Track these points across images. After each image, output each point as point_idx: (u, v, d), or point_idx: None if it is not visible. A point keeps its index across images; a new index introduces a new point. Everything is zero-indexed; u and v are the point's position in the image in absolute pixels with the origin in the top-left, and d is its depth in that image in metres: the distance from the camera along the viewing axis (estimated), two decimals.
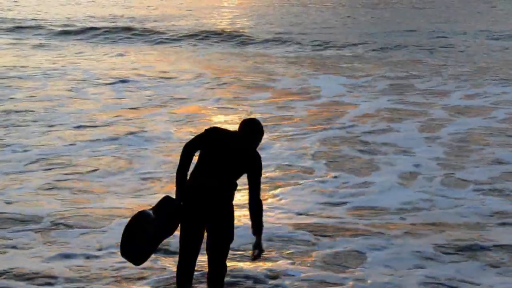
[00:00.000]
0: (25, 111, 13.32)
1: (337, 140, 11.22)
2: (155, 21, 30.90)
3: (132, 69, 18.74)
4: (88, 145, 10.83)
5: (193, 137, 5.19)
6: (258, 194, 5.11)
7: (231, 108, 13.67)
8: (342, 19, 32.66)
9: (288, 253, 6.70)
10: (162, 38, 25.70)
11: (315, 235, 7.20)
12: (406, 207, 8.09)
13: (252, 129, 4.99)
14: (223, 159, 4.98)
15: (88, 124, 12.26)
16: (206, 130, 5.11)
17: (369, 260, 6.56)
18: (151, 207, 5.27)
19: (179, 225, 5.11)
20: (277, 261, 6.52)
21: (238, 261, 6.46)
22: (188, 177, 5.13)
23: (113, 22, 29.63)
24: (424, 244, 6.94)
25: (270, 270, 6.29)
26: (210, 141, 5.02)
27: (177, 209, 5.08)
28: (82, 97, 14.92)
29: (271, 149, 10.55)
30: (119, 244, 5.20)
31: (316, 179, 9.15)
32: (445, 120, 12.63)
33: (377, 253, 6.72)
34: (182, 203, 5.09)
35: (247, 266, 6.34)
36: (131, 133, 11.64)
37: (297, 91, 15.86)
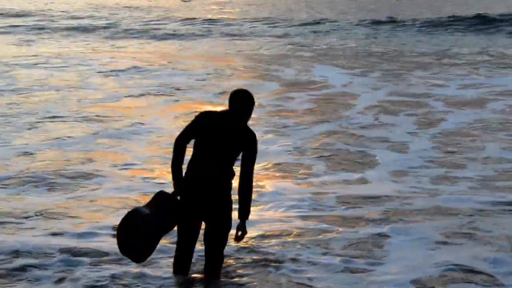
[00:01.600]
0: (22, 102, 13.42)
1: (334, 134, 11.24)
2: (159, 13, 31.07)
3: (134, 60, 18.91)
4: (83, 138, 10.84)
5: (183, 128, 5.07)
6: (251, 178, 5.05)
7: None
8: (342, 8, 32.78)
9: (313, 243, 6.70)
10: (166, 30, 25.92)
11: (329, 225, 7.23)
12: (403, 196, 8.19)
13: (244, 103, 4.91)
14: (219, 144, 4.91)
15: (83, 116, 12.28)
16: (196, 116, 5.02)
17: (390, 247, 6.65)
18: (145, 204, 5.18)
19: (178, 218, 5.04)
20: (307, 249, 6.53)
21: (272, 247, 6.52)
22: (185, 168, 5.06)
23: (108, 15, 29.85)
24: (432, 230, 7.09)
25: (305, 258, 6.30)
26: (203, 128, 4.94)
27: (175, 205, 5.00)
28: (84, 88, 15.05)
29: (273, 143, 10.56)
30: (116, 242, 5.12)
31: (312, 173, 9.19)
32: (442, 112, 12.67)
33: (395, 239, 6.82)
34: (180, 196, 5.01)
35: (282, 252, 6.39)
36: (128, 125, 11.66)
37: (299, 82, 15.95)
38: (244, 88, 5.23)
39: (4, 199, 7.87)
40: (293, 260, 6.22)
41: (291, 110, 12.98)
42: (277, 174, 9.10)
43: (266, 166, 9.33)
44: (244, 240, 5.41)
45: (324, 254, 6.41)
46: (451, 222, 7.35)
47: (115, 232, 5.31)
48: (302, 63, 18.60)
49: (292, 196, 8.17)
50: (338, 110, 13.01)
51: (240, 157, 5.11)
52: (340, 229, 7.09)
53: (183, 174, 5.04)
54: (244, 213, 5.06)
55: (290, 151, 10.21)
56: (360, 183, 8.83)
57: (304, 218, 7.42)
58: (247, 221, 5.15)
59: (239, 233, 5.10)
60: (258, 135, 5.22)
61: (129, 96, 14.20)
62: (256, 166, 8.27)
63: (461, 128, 11.54)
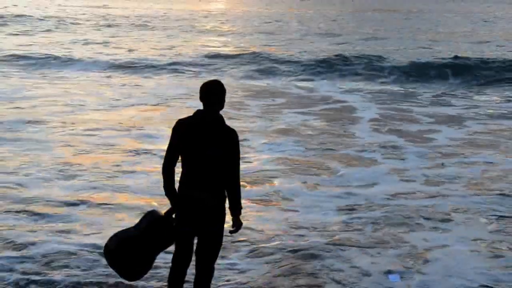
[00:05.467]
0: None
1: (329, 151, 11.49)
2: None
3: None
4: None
5: (166, 151, 4.92)
6: (237, 176, 4.97)
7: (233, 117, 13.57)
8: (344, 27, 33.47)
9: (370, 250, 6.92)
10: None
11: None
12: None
13: (213, 90, 4.78)
14: (202, 148, 4.77)
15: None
16: (173, 128, 4.88)
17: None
18: (136, 223, 5.08)
19: (171, 236, 4.96)
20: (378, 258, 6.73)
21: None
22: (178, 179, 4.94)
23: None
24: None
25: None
26: (183, 132, 4.81)
27: (167, 224, 4.91)
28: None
29: (283, 148, 11.24)
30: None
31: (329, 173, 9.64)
32: (433, 131, 13.18)
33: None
34: (175, 213, 4.92)
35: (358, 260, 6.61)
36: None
37: (304, 98, 16.70)
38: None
39: None
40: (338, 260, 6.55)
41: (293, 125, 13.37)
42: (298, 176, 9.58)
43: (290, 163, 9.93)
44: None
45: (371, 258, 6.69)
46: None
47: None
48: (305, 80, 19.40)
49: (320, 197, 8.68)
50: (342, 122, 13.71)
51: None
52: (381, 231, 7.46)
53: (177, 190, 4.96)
54: (235, 210, 5.01)
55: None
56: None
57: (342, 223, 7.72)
58: (241, 214, 5.09)
59: (235, 227, 5.05)
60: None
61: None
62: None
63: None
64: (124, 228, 5.17)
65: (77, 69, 20.55)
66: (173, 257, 5.06)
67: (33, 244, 6.82)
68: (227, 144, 4.84)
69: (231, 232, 5.05)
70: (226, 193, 4.96)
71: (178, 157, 4.88)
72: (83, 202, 8.17)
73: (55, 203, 8.15)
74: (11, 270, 6.18)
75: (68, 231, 7.22)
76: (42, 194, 8.43)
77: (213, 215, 4.88)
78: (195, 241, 5.02)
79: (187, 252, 5.01)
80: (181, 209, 4.88)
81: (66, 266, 6.31)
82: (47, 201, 8.20)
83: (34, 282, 5.98)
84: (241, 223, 5.07)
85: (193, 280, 5.13)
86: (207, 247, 4.97)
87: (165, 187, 4.90)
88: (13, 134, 11.66)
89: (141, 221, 5.01)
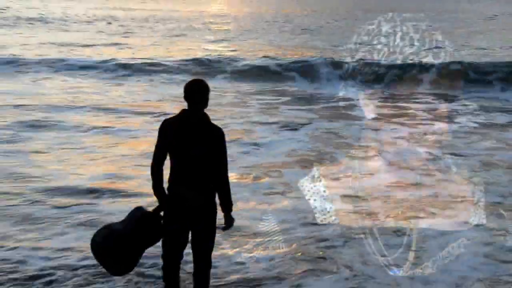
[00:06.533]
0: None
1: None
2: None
3: None
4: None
5: (154, 149, 4.99)
6: (225, 171, 5.01)
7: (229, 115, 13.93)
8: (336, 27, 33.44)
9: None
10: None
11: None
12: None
13: (196, 89, 4.86)
14: (189, 146, 4.83)
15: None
16: (159, 128, 4.96)
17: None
18: (123, 219, 5.14)
19: (160, 233, 5.03)
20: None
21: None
22: (166, 178, 5.00)
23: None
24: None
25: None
26: (170, 132, 4.88)
27: (153, 222, 4.97)
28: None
29: (286, 142, 11.55)
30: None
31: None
32: (431, 126, 13.49)
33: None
34: (164, 211, 4.99)
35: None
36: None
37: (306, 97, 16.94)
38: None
39: None
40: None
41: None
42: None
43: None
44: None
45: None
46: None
47: None
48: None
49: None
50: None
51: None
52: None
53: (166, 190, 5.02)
54: (226, 206, 5.07)
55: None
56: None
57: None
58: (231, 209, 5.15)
59: (226, 225, 5.13)
60: None
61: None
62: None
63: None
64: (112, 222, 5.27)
65: (77, 70, 20.27)
66: (163, 254, 5.14)
67: (54, 234, 7.02)
68: (212, 142, 4.89)
69: (223, 229, 5.11)
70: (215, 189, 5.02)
71: (166, 156, 4.95)
72: (106, 191, 8.43)
73: (79, 192, 8.41)
74: (31, 260, 6.32)
75: (90, 222, 7.38)
76: (67, 183, 8.71)
77: (200, 213, 4.95)
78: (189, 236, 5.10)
79: (178, 248, 5.10)
80: (169, 207, 4.95)
81: (86, 258, 6.33)
82: (71, 190, 8.47)
83: (53, 271, 6.11)
84: (233, 220, 5.13)
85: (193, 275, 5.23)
86: (200, 243, 5.06)
87: (153, 186, 4.96)
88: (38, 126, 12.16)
89: (128, 217, 5.07)
